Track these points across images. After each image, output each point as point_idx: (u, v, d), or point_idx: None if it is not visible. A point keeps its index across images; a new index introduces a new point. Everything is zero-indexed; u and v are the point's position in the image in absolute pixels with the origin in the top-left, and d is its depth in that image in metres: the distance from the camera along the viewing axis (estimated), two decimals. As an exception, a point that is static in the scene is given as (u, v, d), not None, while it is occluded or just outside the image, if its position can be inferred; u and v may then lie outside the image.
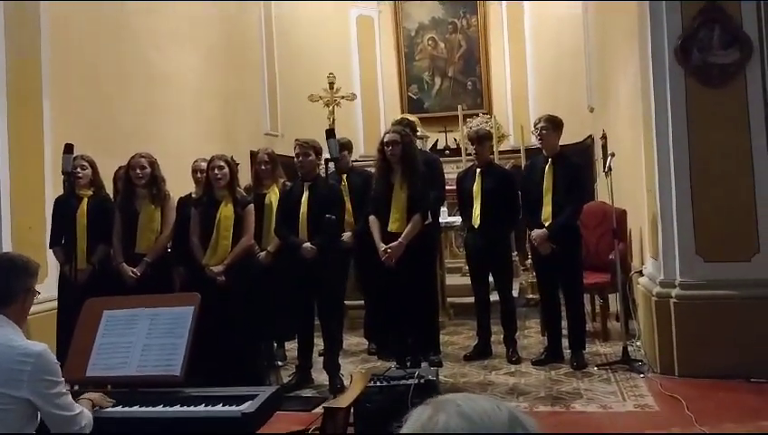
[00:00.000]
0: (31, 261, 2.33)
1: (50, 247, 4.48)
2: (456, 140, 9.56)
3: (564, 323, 4.77)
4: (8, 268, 2.25)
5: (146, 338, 2.76)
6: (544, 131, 4.75)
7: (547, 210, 4.62)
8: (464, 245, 5.59)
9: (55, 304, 4.36)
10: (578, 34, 8.64)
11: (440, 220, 5.27)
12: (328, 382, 4.19)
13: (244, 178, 5.32)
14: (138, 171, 4.40)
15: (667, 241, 4.35)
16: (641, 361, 4.48)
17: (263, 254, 4.66)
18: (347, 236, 4.70)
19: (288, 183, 4.96)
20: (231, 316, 4.06)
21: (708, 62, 4.33)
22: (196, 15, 7.47)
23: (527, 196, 4.83)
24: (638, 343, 4.81)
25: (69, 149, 4.04)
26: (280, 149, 6.80)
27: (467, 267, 5.51)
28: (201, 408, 2.49)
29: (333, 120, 8.24)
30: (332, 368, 4.20)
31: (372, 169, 5.01)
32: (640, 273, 4.96)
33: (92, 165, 4.53)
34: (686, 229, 4.30)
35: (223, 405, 2.49)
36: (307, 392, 4.24)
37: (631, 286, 5.07)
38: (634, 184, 5.03)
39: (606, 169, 4.81)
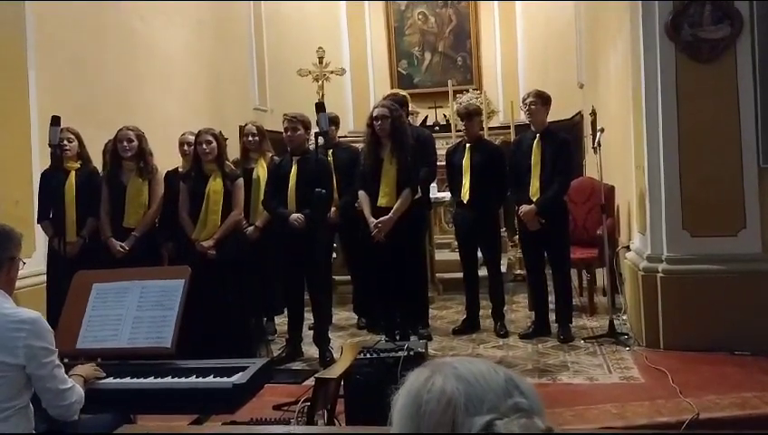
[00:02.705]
0: (12, 230, 2.30)
1: (38, 222, 4.44)
2: (445, 115, 9.53)
3: (551, 298, 4.81)
4: None
5: (136, 311, 2.76)
6: (533, 106, 4.75)
7: (535, 186, 4.64)
8: (452, 220, 5.61)
9: (44, 278, 4.34)
10: (569, 10, 8.60)
11: (430, 196, 5.28)
12: (318, 356, 4.22)
13: (233, 152, 5.29)
14: (125, 144, 4.36)
15: (655, 216, 4.39)
16: (627, 334, 4.54)
17: (251, 229, 4.66)
18: (332, 211, 4.70)
19: (276, 158, 4.94)
20: (221, 290, 4.07)
21: (699, 37, 4.32)
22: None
23: (515, 171, 4.85)
24: (625, 317, 4.87)
25: (56, 121, 3.99)
26: (269, 124, 6.75)
27: (456, 243, 5.54)
28: (192, 379, 2.50)
29: (323, 95, 8.17)
30: (322, 341, 4.23)
31: (359, 145, 5.00)
32: (628, 248, 5.01)
33: (78, 137, 4.48)
34: (673, 204, 4.33)
35: (214, 377, 2.50)
36: (297, 365, 4.27)
37: (618, 261, 5.12)
38: (623, 159, 5.05)
39: (595, 145, 4.82)
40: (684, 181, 4.33)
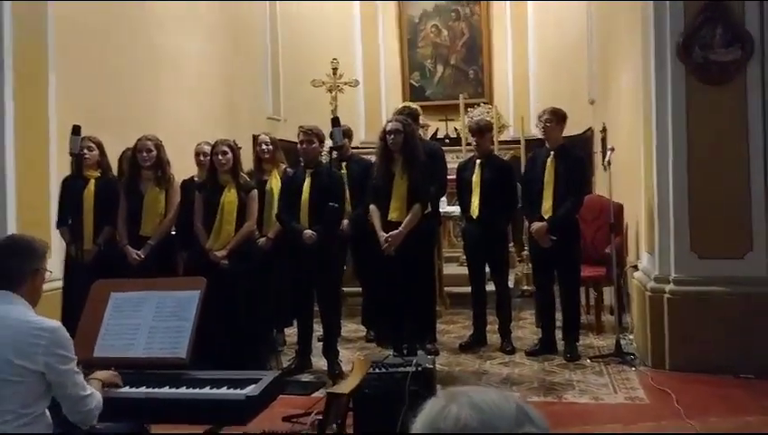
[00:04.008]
0: (37, 242, 2.37)
1: (57, 227, 4.53)
2: (456, 129, 9.58)
3: (558, 316, 4.84)
4: (13, 250, 2.30)
5: (152, 320, 2.81)
6: (548, 124, 4.78)
7: (547, 203, 4.67)
8: (461, 235, 5.65)
9: (60, 283, 4.41)
10: (581, 26, 8.66)
11: (439, 210, 5.33)
12: (326, 368, 4.27)
13: (246, 161, 5.36)
14: (144, 154, 4.44)
15: (663, 237, 4.42)
16: (633, 354, 4.57)
17: (262, 239, 4.72)
18: (344, 223, 4.75)
19: (289, 169, 5.01)
20: (233, 301, 4.13)
21: (709, 59, 4.37)
22: (200, -2, 7.46)
23: (528, 188, 4.88)
24: (631, 337, 4.90)
25: (76, 130, 4.08)
26: (282, 133, 6.84)
27: (464, 257, 5.59)
28: (206, 390, 2.55)
29: (336, 106, 8.25)
30: (331, 354, 4.28)
31: (372, 157, 5.06)
32: (635, 267, 5.04)
33: (99, 146, 4.57)
34: (681, 225, 4.37)
35: (227, 388, 2.55)
36: (306, 377, 4.32)
37: (626, 280, 5.15)
38: (632, 178, 5.09)
39: (605, 164, 4.86)
40: (692, 202, 4.36)
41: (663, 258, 4.42)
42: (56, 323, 2.21)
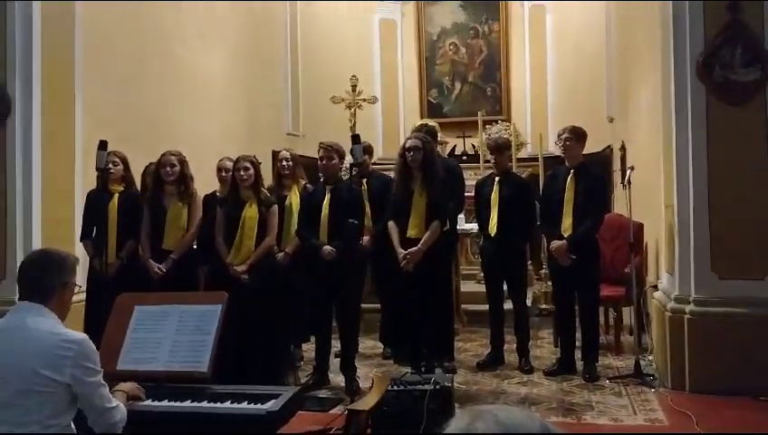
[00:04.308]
0: (68, 256, 2.43)
1: (80, 241, 4.61)
2: (474, 146, 9.61)
3: (577, 335, 4.82)
4: (44, 264, 2.35)
5: (175, 334, 2.85)
6: (568, 142, 4.78)
7: (567, 221, 4.67)
8: (479, 252, 5.65)
9: (82, 296, 4.48)
10: (599, 44, 8.67)
11: (457, 227, 5.34)
12: (344, 384, 4.28)
13: (266, 177, 5.41)
14: (167, 169, 4.52)
15: (683, 257, 4.40)
16: (653, 375, 4.53)
17: (281, 254, 4.75)
18: (365, 239, 4.78)
19: (309, 186, 5.05)
20: (252, 315, 4.15)
21: (729, 79, 4.37)
22: (223, 14, 7.59)
23: (547, 206, 4.88)
24: (651, 358, 4.85)
25: (103, 145, 4.16)
26: (301, 149, 6.91)
27: (482, 275, 5.58)
28: (227, 404, 2.59)
29: (354, 122, 8.32)
30: (349, 370, 4.29)
31: (391, 174, 5.10)
32: (655, 287, 5.00)
33: (124, 161, 4.66)
34: (702, 246, 4.34)
35: (248, 403, 2.58)
36: (323, 393, 4.33)
37: (645, 300, 5.12)
38: (651, 197, 5.07)
39: (625, 183, 4.85)
40: (713, 223, 4.34)
41: (683, 278, 4.39)
42: (83, 336, 2.25)
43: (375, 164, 7.00)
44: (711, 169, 4.34)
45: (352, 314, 4.52)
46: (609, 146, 8.10)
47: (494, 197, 4.99)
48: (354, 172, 4.38)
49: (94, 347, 2.28)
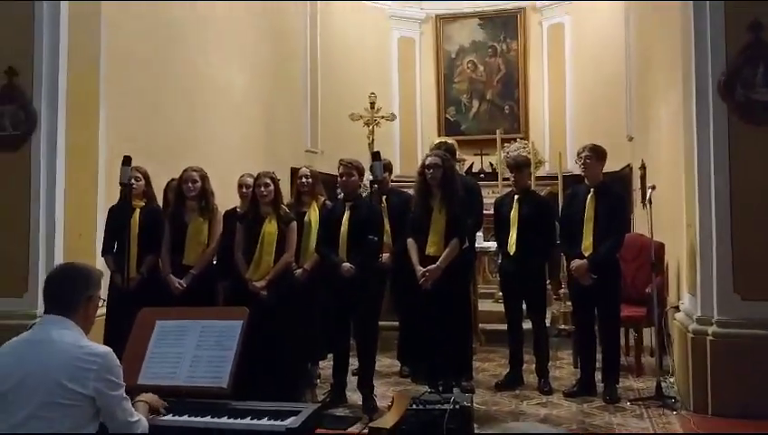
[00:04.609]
0: (93, 270, 2.46)
1: (102, 255, 4.65)
2: (491, 163, 9.61)
3: (598, 356, 4.76)
4: (71, 277, 2.39)
5: (195, 349, 2.87)
6: (588, 161, 4.75)
7: (587, 240, 4.63)
8: (498, 271, 5.61)
9: (102, 310, 4.51)
10: (618, 62, 8.66)
11: (476, 245, 5.32)
12: (361, 402, 4.25)
13: (284, 192, 5.44)
14: (189, 184, 4.56)
15: (705, 277, 4.34)
16: (675, 398, 4.46)
17: (299, 271, 4.76)
18: (385, 256, 4.77)
19: (329, 202, 5.07)
20: (272, 332, 4.16)
21: (751, 99, 4.33)
22: (245, 32, 7.71)
23: (567, 225, 4.85)
24: (672, 380, 4.78)
25: (127, 161, 4.21)
26: (319, 165, 6.95)
27: (500, 293, 5.54)
28: (247, 421, 2.59)
29: (372, 139, 8.36)
30: (366, 388, 4.27)
31: (410, 191, 5.10)
32: (677, 308, 4.94)
33: (146, 176, 4.70)
34: (724, 266, 4.28)
35: (268, 419, 2.58)
36: (340, 412, 4.31)
37: (667, 321, 5.05)
38: (672, 216, 5.03)
39: (646, 202, 4.81)
40: (735, 243, 4.29)
41: (705, 300, 4.33)
42: (107, 349, 2.27)
43: (393, 181, 7.03)
44: (733, 188, 4.30)
45: (370, 332, 4.50)
46: (628, 165, 8.05)
47: (514, 215, 4.97)
48: (374, 189, 4.38)
49: (118, 361, 2.30)
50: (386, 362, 5.48)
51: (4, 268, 4.69)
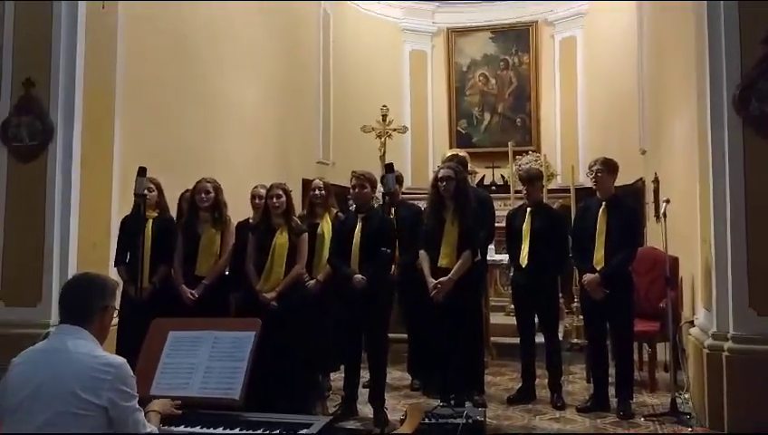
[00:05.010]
0: (109, 280, 2.47)
1: (114, 266, 4.67)
2: (503, 176, 9.60)
3: (611, 371, 4.71)
4: (86, 287, 2.40)
5: (208, 360, 2.86)
6: (600, 174, 4.73)
7: (599, 254, 4.60)
8: (510, 284, 5.58)
9: (115, 320, 4.52)
10: (631, 75, 8.65)
11: (487, 258, 5.30)
12: (372, 415, 4.23)
13: (296, 204, 5.45)
14: (202, 195, 4.58)
15: (721, 292, 4.29)
16: (689, 414, 4.40)
17: (312, 282, 4.76)
18: (392, 269, 4.75)
19: (341, 214, 5.07)
20: (283, 343, 4.15)
21: (766, 112, 4.30)
22: (259, 44, 7.77)
23: (579, 238, 4.82)
24: (687, 396, 4.72)
25: (142, 172, 4.24)
26: (330, 177, 6.97)
27: (512, 306, 5.50)
28: (260, 432, 2.57)
29: (384, 151, 8.38)
30: (378, 401, 4.25)
31: (421, 203, 5.09)
32: (691, 323, 4.89)
33: (158, 187, 4.73)
34: (740, 281, 4.24)
35: (281, 431, 2.57)
36: (351, 424, 4.28)
37: (681, 336, 5.00)
38: (687, 230, 4.99)
39: (660, 215, 4.78)
40: (751, 257, 4.24)
41: (721, 315, 4.28)
42: (122, 360, 2.28)
43: (404, 193, 7.03)
44: (749, 202, 4.26)
45: (381, 344, 4.48)
46: (641, 178, 8.02)
47: (526, 228, 4.95)
48: (386, 200, 4.38)
49: (131, 372, 2.30)
50: (396, 375, 5.45)
51: (18, 278, 4.72)
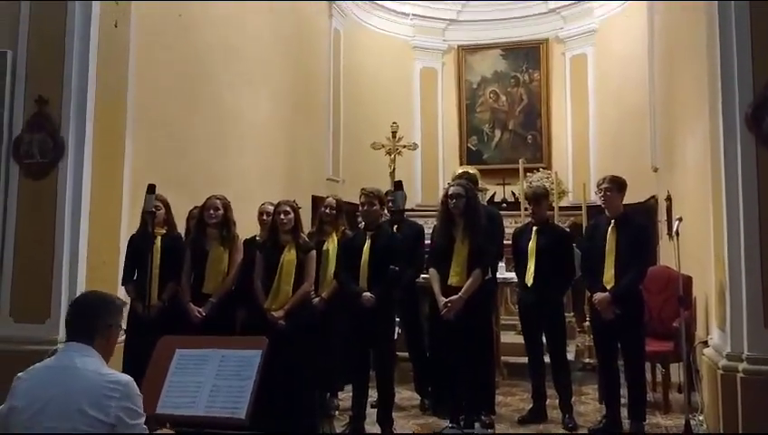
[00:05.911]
0: (116, 299, 2.48)
1: (122, 284, 4.66)
2: (514, 193, 9.56)
3: (623, 392, 4.64)
4: (94, 305, 2.39)
5: (215, 379, 2.83)
6: (608, 193, 4.69)
7: (609, 273, 4.54)
8: (517, 303, 5.53)
9: (121, 338, 4.50)
10: (642, 92, 8.62)
11: (497, 276, 5.26)
12: (380, 435, 4.18)
13: (305, 221, 5.44)
14: (211, 211, 4.58)
15: (735, 312, 4.22)
16: (704, 436, 4.32)
17: (317, 299, 4.72)
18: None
19: (349, 232, 5.05)
20: (290, 362, 4.12)
21: (779, 130, 4.26)
22: (270, 61, 7.82)
23: (588, 257, 4.77)
24: (701, 418, 4.63)
25: (151, 189, 4.25)
26: (340, 194, 6.95)
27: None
28: (266, 453, 2.54)
29: (394, 168, 8.38)
30: (386, 421, 4.19)
31: (428, 220, 5.07)
32: (705, 343, 4.81)
33: (166, 204, 4.73)
34: (755, 300, 4.16)
35: (286, 453, 2.53)
36: (358, 444, 4.25)
37: (695, 357, 4.92)
38: (700, 249, 4.92)
39: (673, 234, 4.72)
40: (765, 277, 4.17)
41: (735, 335, 4.20)
42: (129, 378, 2.27)
43: (412, 211, 7.01)
44: (763, 221, 4.20)
45: (390, 364, 4.44)
46: (653, 196, 7.95)
47: (532, 246, 4.91)
48: (388, 218, 4.37)
49: (138, 390, 2.29)
50: (405, 395, 5.39)
51: (26, 294, 4.72)
